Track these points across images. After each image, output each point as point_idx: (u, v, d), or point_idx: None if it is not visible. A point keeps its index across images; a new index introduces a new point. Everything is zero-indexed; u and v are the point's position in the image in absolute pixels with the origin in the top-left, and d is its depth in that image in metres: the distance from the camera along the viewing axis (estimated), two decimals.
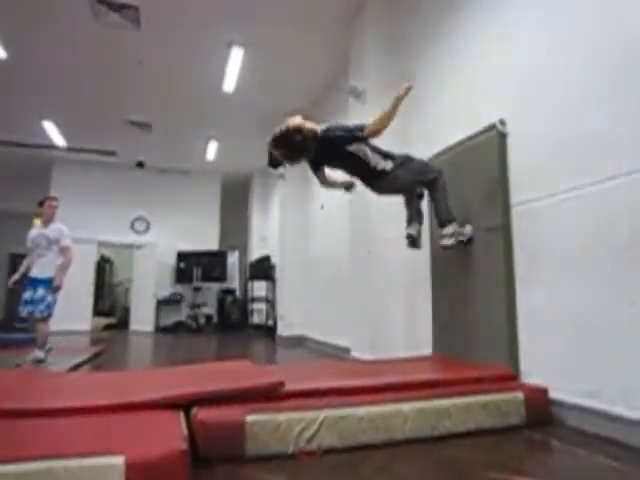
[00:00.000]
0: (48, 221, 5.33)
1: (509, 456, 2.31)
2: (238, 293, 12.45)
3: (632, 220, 2.43)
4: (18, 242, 5.44)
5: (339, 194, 4.12)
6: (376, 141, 3.23)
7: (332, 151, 3.17)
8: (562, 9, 2.96)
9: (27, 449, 1.77)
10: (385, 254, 4.68)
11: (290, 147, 3.06)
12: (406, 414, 2.52)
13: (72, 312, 9.55)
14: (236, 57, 6.33)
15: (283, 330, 8.30)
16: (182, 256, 11.76)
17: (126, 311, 12.28)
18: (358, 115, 4.74)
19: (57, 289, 5.15)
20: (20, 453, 1.72)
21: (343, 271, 5.82)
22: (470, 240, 3.60)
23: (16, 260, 5.49)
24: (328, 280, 6.98)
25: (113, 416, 2.18)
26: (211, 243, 12.18)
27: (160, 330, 11.17)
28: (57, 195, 5.95)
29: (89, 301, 10.93)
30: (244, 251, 12.70)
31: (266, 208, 11.75)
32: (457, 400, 2.66)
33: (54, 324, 5.35)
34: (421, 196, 3.66)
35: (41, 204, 5.40)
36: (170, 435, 1.95)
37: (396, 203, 4.53)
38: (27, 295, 5.06)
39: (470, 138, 3.71)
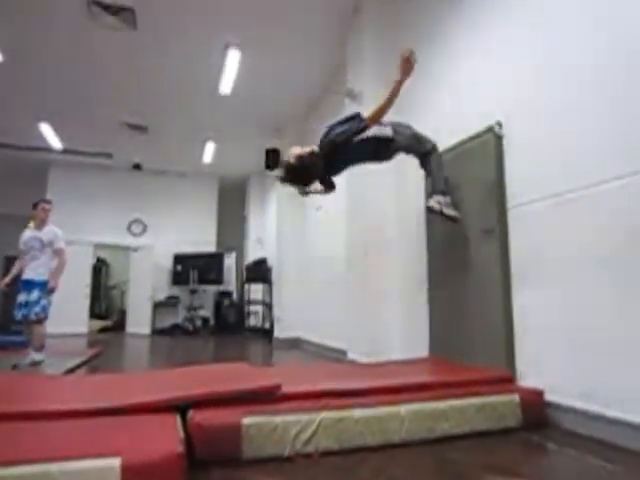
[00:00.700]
0: (41, 224, 5.32)
1: (506, 458, 2.31)
2: (235, 295, 12.43)
3: (628, 223, 2.45)
4: (14, 245, 5.41)
5: (338, 196, 4.13)
6: None
7: (340, 150, 3.20)
8: (561, 11, 2.98)
9: (23, 452, 1.76)
10: (382, 256, 4.68)
11: (300, 175, 3.17)
12: (403, 416, 2.52)
13: (68, 314, 9.54)
14: (233, 59, 6.34)
15: (280, 332, 8.29)
16: (179, 258, 11.74)
17: (122, 313, 12.24)
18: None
19: (52, 291, 5.14)
20: (16, 456, 1.71)
21: (340, 273, 5.83)
22: (455, 220, 3.55)
23: (11, 263, 5.46)
24: (325, 282, 6.98)
25: (109, 418, 2.18)
26: (208, 245, 12.17)
27: (157, 333, 11.13)
28: (53, 198, 5.96)
29: (85, 303, 10.91)
30: (241, 253, 12.69)
31: (263, 210, 11.75)
32: (454, 402, 2.66)
33: (50, 326, 5.33)
34: (427, 154, 3.59)
35: (35, 207, 5.40)
36: (166, 437, 1.95)
37: (396, 203, 4.55)
38: (21, 298, 5.06)
39: (467, 140, 3.72)
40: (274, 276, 9.27)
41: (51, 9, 5.38)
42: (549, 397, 2.83)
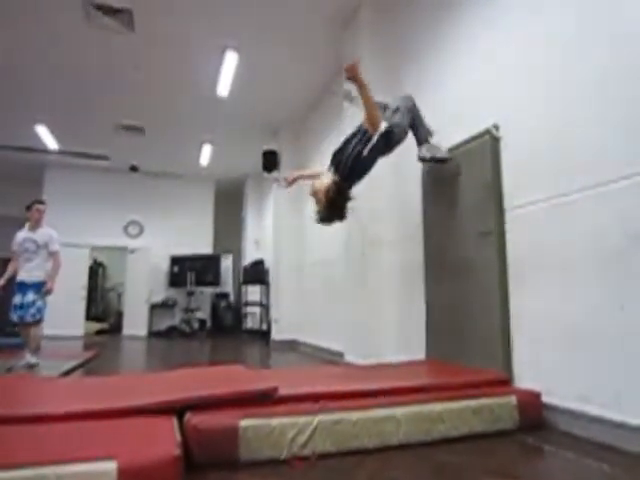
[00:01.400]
0: (36, 225, 5.29)
1: (503, 460, 2.31)
2: (232, 297, 12.42)
3: (623, 225, 2.46)
4: (10, 247, 5.38)
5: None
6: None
7: (357, 166, 3.21)
8: (561, 12, 2.99)
9: (18, 456, 1.75)
10: (379, 257, 4.68)
11: (336, 207, 3.22)
12: (399, 419, 2.52)
13: (65, 317, 9.52)
14: (230, 61, 6.34)
15: (277, 334, 8.28)
16: (176, 260, 11.73)
17: (119, 316, 12.20)
18: (352, 118, 4.74)
19: (48, 293, 5.12)
20: (11, 460, 1.70)
21: (337, 275, 5.83)
22: (445, 160, 3.74)
23: (7, 264, 5.42)
24: (322, 284, 6.98)
25: (106, 421, 2.17)
26: (205, 247, 12.16)
27: (153, 335, 11.11)
28: (49, 199, 5.93)
29: (82, 306, 10.88)
30: (238, 255, 12.68)
31: (260, 212, 11.75)
32: (450, 405, 2.66)
33: (46, 329, 5.32)
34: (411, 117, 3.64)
35: (28, 208, 5.36)
36: (163, 440, 1.94)
37: (394, 204, 4.54)
38: (17, 300, 5.03)
39: (464, 142, 3.73)
40: (271, 278, 9.27)
41: (48, 11, 5.37)
42: (546, 399, 2.83)
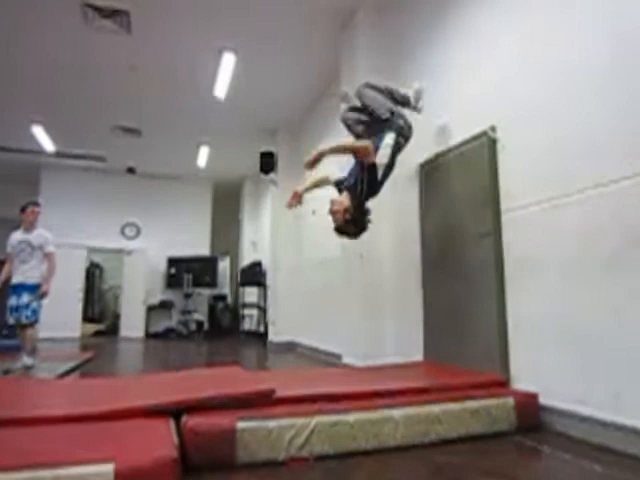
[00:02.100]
0: (30, 227, 5.26)
1: (500, 462, 2.32)
2: (229, 299, 12.40)
3: (619, 227, 2.46)
4: (4, 248, 5.35)
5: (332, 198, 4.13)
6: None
7: (370, 179, 3.20)
8: (561, 13, 2.99)
9: (15, 458, 1.74)
10: (377, 259, 4.68)
11: (357, 222, 3.23)
12: (397, 420, 2.52)
13: (61, 318, 9.48)
14: (227, 63, 6.33)
15: (274, 336, 8.27)
16: (173, 262, 11.69)
17: (116, 317, 12.15)
18: None
19: (44, 296, 5.11)
20: (8, 462, 1.69)
21: (334, 277, 5.82)
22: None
23: (2, 266, 5.39)
24: (320, 286, 6.98)
25: (103, 423, 2.16)
26: (202, 249, 12.13)
27: (150, 336, 11.07)
28: (46, 201, 5.91)
29: (78, 307, 10.82)
30: (235, 257, 12.66)
31: (257, 214, 11.74)
32: (448, 406, 2.67)
33: (43, 330, 5.29)
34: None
35: (23, 209, 5.33)
36: (160, 443, 1.94)
37: (392, 205, 4.55)
38: (12, 302, 5.01)
39: (462, 144, 3.74)
40: (269, 280, 9.25)
41: (44, 11, 5.36)
42: (543, 400, 2.84)
